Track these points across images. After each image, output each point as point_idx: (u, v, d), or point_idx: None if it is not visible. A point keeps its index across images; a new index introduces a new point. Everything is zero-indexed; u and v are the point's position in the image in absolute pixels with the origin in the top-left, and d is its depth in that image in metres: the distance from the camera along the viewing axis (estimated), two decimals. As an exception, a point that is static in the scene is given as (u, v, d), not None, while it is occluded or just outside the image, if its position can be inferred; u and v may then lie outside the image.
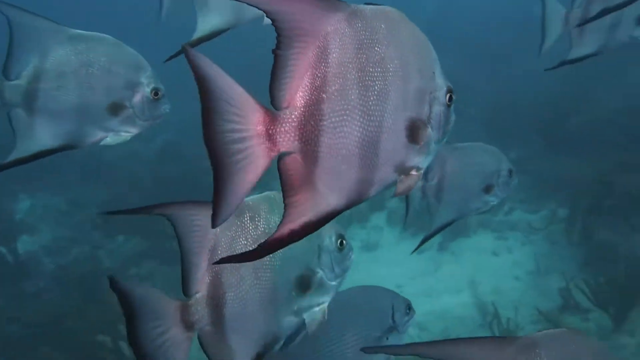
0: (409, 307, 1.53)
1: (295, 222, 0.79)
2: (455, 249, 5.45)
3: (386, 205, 6.54)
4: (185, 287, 1.04)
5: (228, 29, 1.54)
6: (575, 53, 1.82)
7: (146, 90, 1.45)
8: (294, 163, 0.80)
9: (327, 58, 0.78)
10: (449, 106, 0.93)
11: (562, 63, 1.81)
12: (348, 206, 0.84)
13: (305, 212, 0.79)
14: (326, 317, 1.14)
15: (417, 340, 4.17)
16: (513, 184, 1.88)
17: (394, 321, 1.48)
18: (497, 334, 3.58)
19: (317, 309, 1.12)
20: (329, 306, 1.19)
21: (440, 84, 0.91)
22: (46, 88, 1.36)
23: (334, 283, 1.15)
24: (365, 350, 0.92)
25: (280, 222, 0.79)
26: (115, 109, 1.42)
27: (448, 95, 0.92)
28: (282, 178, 0.80)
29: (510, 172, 1.86)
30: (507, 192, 1.88)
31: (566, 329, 1.00)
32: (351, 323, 1.43)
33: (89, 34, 1.42)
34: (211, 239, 1.02)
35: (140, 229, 5.44)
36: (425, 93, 0.88)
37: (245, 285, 1.03)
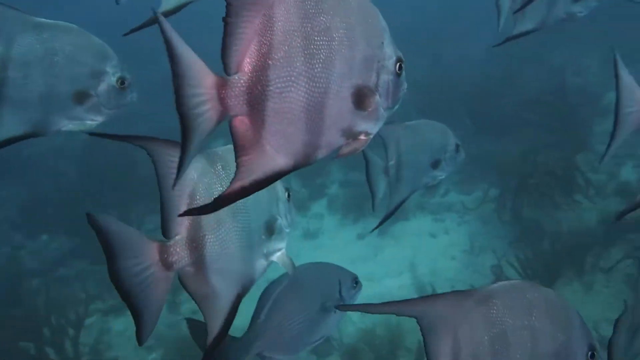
0: (355, 281, 1.66)
1: (245, 180, 0.84)
2: (396, 233, 5.54)
3: (327, 192, 6.54)
4: (164, 229, 1.08)
5: (191, 1, 1.55)
6: (519, 29, 1.89)
7: (112, 79, 1.47)
8: (243, 125, 0.85)
9: (273, 26, 0.82)
10: (398, 75, 0.96)
11: (508, 39, 1.88)
12: (295, 167, 0.89)
13: (254, 171, 0.85)
14: (292, 261, 1.26)
15: (359, 324, 4.21)
16: (460, 159, 1.94)
17: (341, 295, 1.61)
18: (434, 314, 3.66)
19: (279, 253, 1.22)
20: (287, 278, 1.42)
21: (389, 53, 0.94)
22: (11, 77, 1.36)
23: (287, 230, 1.25)
24: (339, 308, 0.98)
25: (233, 179, 0.84)
26: (81, 97, 1.44)
27: (398, 65, 0.95)
28: (233, 139, 0.85)
29: (457, 147, 1.92)
30: (454, 167, 1.94)
31: (520, 280, 1.04)
32: (302, 297, 1.56)
33: (54, 22, 1.42)
34: (189, 184, 1.07)
35: (66, 227, 5.10)
36: (373, 61, 0.91)
37: (224, 228, 1.09)
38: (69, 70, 1.41)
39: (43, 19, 1.41)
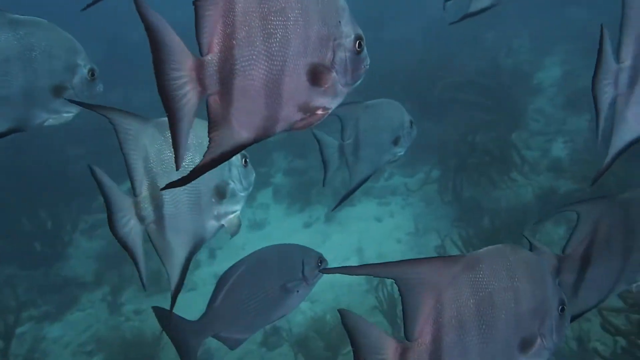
0: (320, 261, 1.70)
1: (215, 152, 0.92)
2: (342, 219, 5.55)
3: (271, 181, 6.44)
4: (132, 187, 1.21)
5: None
6: (476, 6, 1.87)
7: (84, 71, 1.54)
8: (215, 103, 0.91)
9: (234, 8, 0.87)
10: (358, 52, 0.99)
11: (465, 16, 1.85)
12: (256, 140, 0.95)
13: (222, 144, 0.92)
14: (241, 222, 1.36)
15: (309, 313, 4.18)
16: (414, 134, 2.00)
17: (304, 275, 1.65)
18: (383, 298, 3.69)
19: (232, 216, 1.32)
20: (248, 261, 1.57)
21: (347, 31, 0.97)
22: None
23: (242, 194, 1.34)
24: (321, 271, 1.01)
25: (205, 152, 0.92)
26: (59, 90, 1.51)
27: (357, 42, 0.99)
28: (208, 117, 0.92)
29: (411, 123, 1.98)
30: (410, 142, 2.00)
31: (505, 245, 1.07)
32: (261, 279, 1.62)
33: (26, 18, 1.46)
34: (142, 149, 1.19)
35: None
36: (329, 40, 0.95)
37: (176, 190, 1.19)
38: (46, 65, 1.47)
39: (16, 15, 1.44)
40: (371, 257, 4.71)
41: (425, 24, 9.04)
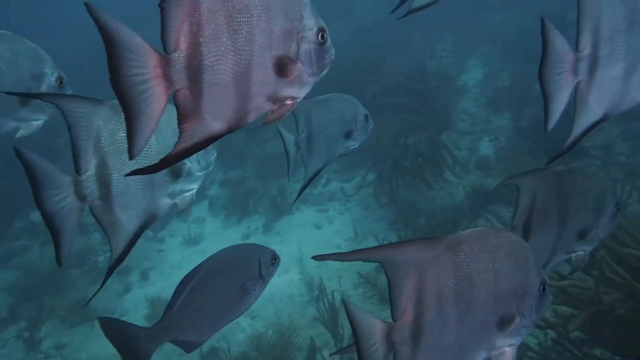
0: (274, 258, 1.74)
1: (188, 142, 0.96)
2: (281, 229, 5.45)
3: (207, 194, 6.21)
4: (76, 167, 1.23)
5: None
6: (419, 2, 1.88)
7: (51, 79, 1.60)
8: (185, 97, 0.95)
9: (199, 7, 0.92)
10: (322, 44, 1.06)
11: (410, 11, 1.87)
12: (229, 130, 1.00)
13: (195, 135, 0.96)
14: (194, 200, 1.39)
15: (249, 330, 4.03)
16: (369, 128, 2.07)
17: (260, 274, 1.69)
18: (324, 309, 3.62)
19: (187, 194, 1.36)
20: (207, 264, 1.61)
21: (310, 24, 1.03)
22: None
23: (200, 174, 1.39)
24: (314, 258, 1.03)
25: (177, 142, 0.96)
26: (25, 99, 1.56)
27: (320, 34, 1.05)
28: (177, 109, 0.96)
29: (366, 117, 2.04)
30: (365, 136, 2.07)
31: (488, 226, 1.10)
32: (220, 282, 1.64)
33: None
34: (95, 129, 1.22)
35: None
36: (293, 33, 1.01)
37: (128, 168, 1.20)
38: (13, 75, 1.53)
39: None
40: (312, 266, 4.64)
41: (355, 29, 9.17)
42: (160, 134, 1.26)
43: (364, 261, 1.03)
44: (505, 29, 8.31)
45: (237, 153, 6.51)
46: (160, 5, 0.90)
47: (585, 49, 1.19)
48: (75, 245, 1.29)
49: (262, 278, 1.72)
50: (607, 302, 2.07)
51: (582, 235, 1.49)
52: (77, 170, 1.23)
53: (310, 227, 5.32)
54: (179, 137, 0.96)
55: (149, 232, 5.61)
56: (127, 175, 1.04)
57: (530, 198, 1.44)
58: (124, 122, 0.96)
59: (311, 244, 5.01)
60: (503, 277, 1.05)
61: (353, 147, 2.05)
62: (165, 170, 1.25)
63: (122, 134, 1.21)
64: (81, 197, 1.24)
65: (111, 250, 1.28)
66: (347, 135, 2.02)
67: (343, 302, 1.06)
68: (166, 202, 1.33)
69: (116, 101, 1.19)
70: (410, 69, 6.69)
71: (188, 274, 1.67)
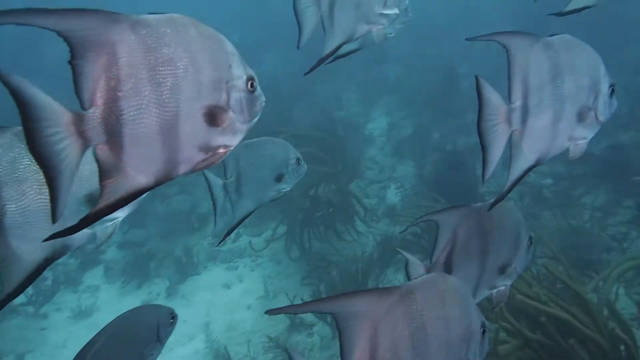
0: (172, 317, 1.70)
1: (111, 199, 0.94)
2: (187, 292, 5.04)
3: (102, 258, 5.65)
4: None
5: None
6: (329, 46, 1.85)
7: None
8: (105, 152, 0.94)
9: (117, 62, 0.92)
10: (251, 91, 1.07)
11: (337, 57, 1.86)
12: (158, 183, 0.98)
13: (118, 191, 0.95)
14: (116, 231, 1.34)
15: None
16: (302, 170, 2.04)
17: (159, 337, 1.66)
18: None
19: (109, 224, 1.31)
20: (102, 335, 1.54)
21: (239, 73, 1.05)
22: None
23: (123, 213, 1.34)
24: (268, 313, 0.97)
25: (99, 199, 0.94)
26: None
27: (249, 82, 1.06)
28: (98, 165, 0.95)
29: (297, 160, 2.02)
30: (297, 179, 2.04)
31: (435, 274, 1.11)
32: (124, 349, 1.58)
33: None
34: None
35: None
36: (221, 82, 1.02)
37: (27, 199, 1.15)
38: None
39: None
40: (220, 331, 4.29)
41: (262, 80, 9.21)
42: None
43: (316, 312, 1.00)
44: (404, 80, 8.80)
45: (138, 211, 6.05)
46: (71, 62, 0.89)
47: (517, 100, 1.27)
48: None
49: (161, 341, 1.68)
50: (502, 353, 2.04)
51: (502, 270, 1.49)
52: None
53: (219, 287, 4.98)
54: (100, 195, 0.94)
55: (29, 308, 4.93)
56: (45, 240, 0.98)
57: (450, 234, 1.44)
58: (28, 150, 0.92)
59: (220, 306, 4.66)
60: (453, 323, 1.06)
61: (285, 190, 2.03)
62: (82, 199, 1.23)
63: (26, 161, 1.16)
64: None
65: (3, 286, 1.17)
66: (278, 179, 1.99)
67: None
68: (83, 232, 1.22)
69: (20, 128, 1.15)
70: (318, 119, 6.76)
71: (81, 349, 1.57)
